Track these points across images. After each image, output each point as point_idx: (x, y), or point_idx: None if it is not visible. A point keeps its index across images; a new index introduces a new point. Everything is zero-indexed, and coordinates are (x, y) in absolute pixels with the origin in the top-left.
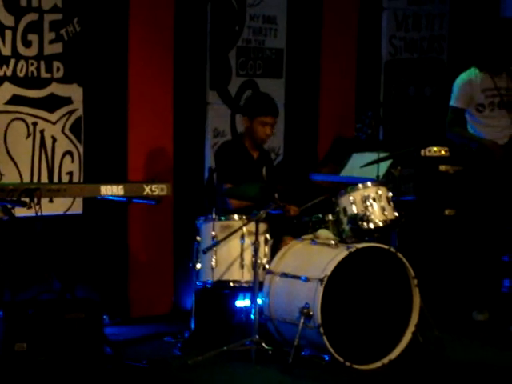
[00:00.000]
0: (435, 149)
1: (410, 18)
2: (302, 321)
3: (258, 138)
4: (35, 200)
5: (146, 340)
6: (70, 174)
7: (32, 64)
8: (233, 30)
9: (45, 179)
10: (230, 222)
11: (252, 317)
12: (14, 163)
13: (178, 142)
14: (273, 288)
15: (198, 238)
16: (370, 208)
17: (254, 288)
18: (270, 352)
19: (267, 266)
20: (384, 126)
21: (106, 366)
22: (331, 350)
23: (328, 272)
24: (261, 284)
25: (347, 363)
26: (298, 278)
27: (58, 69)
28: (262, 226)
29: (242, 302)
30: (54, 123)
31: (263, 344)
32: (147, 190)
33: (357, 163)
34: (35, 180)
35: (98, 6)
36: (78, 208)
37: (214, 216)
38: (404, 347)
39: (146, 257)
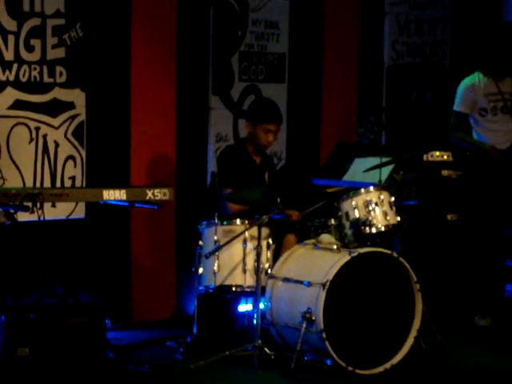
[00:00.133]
0: (437, 153)
1: (413, 22)
2: (304, 325)
3: (260, 145)
4: (38, 205)
5: (149, 345)
6: (73, 178)
7: (35, 69)
8: (235, 35)
9: (47, 184)
10: (232, 227)
11: (254, 321)
12: (17, 168)
13: (180, 147)
14: (275, 293)
15: (201, 242)
16: (372, 213)
17: (256, 293)
18: (272, 357)
19: (269, 271)
20: (386, 131)
21: (108, 370)
22: (333, 354)
23: (330, 277)
24: (263, 289)
25: (349, 368)
26: (301, 282)
27: (61, 74)
28: (265, 231)
29: (244, 307)
30: (57, 128)
31: (265, 349)
32: (150, 194)
33: (359, 168)
34: (38, 185)
35: (101, 11)
36: (80, 213)
37: (216, 221)
38: (406, 352)
39: (149, 261)
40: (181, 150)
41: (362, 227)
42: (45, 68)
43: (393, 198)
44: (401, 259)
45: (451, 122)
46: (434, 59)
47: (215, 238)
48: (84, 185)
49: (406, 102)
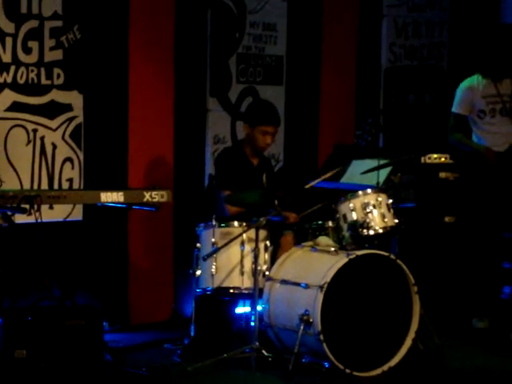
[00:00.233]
0: (435, 156)
1: (410, 25)
2: (301, 328)
3: (258, 147)
4: (35, 207)
5: (146, 347)
6: (70, 180)
7: (32, 71)
8: (233, 37)
9: (45, 186)
10: (230, 229)
11: (252, 324)
12: (14, 170)
13: (178, 149)
14: (273, 295)
15: (198, 244)
16: (370, 215)
17: (253, 295)
18: (270, 359)
19: (267, 273)
20: (384, 133)
21: (105, 372)
22: (331, 357)
23: (328, 279)
24: (261, 291)
25: (347, 370)
26: (298, 284)
27: (59, 76)
28: (262, 233)
29: (241, 309)
30: (55, 130)
31: (263, 351)
32: (147, 196)
33: (357, 170)
34: (35, 187)
35: (99, 14)
36: (78, 215)
37: (214, 223)
38: (404, 354)
39: (146, 263)
40: (178, 151)
41: (360, 229)
42: (42, 70)
43: (390, 200)
44: (398, 261)
45: (450, 124)
46: (432, 61)
47: (213, 240)
48: (82, 187)
49: (404, 104)
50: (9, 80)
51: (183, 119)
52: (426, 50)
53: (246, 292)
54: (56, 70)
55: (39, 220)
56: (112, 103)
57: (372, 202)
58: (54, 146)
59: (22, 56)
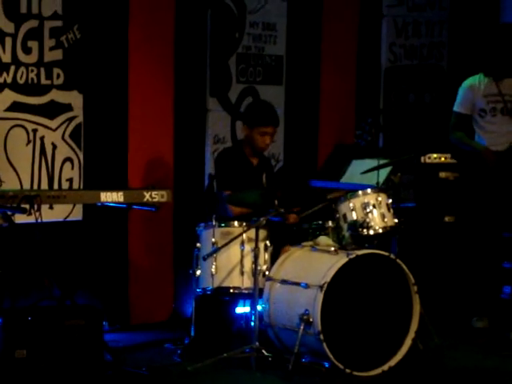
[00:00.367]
0: (435, 155)
1: (410, 24)
2: (301, 327)
3: (258, 147)
4: (35, 207)
5: (146, 347)
6: (70, 180)
7: (32, 71)
8: (233, 37)
9: (45, 186)
10: (230, 229)
11: (252, 323)
12: (14, 170)
13: (178, 149)
14: (273, 295)
15: (198, 244)
16: (369, 215)
17: (253, 295)
18: (270, 359)
19: (267, 273)
20: (384, 133)
21: (105, 372)
22: (331, 356)
23: (328, 279)
24: (261, 291)
25: (347, 370)
26: (298, 284)
27: (58, 76)
28: (262, 233)
29: (241, 309)
30: (54, 130)
31: (263, 351)
32: (147, 196)
33: (357, 170)
34: (35, 187)
35: (98, 13)
36: (77, 214)
37: (214, 222)
38: (404, 354)
39: (146, 263)
40: (178, 151)
41: (360, 229)
42: (42, 70)
43: (390, 200)
44: (398, 261)
45: (451, 123)
46: (432, 61)
47: (213, 239)
48: (81, 187)
49: (404, 104)
50: (9, 80)
51: (183, 119)
52: (426, 50)
53: (246, 292)
54: (56, 70)
55: (39, 220)
56: (112, 103)
57: (372, 201)
58: (54, 146)
59: (21, 56)
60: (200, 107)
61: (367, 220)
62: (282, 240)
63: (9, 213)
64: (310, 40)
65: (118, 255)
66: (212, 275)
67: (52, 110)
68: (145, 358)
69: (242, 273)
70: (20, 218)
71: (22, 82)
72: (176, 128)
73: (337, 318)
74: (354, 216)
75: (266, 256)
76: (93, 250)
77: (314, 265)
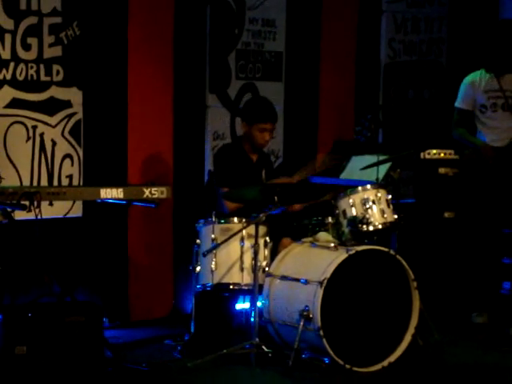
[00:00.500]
0: (434, 151)
1: (409, 20)
2: (301, 323)
3: (257, 144)
4: (35, 203)
5: (146, 343)
6: (70, 177)
7: (31, 67)
8: (232, 33)
9: (44, 182)
10: (229, 225)
11: (252, 320)
12: (14, 166)
13: (177, 145)
14: (272, 291)
15: (198, 240)
16: (369, 210)
17: (253, 291)
18: (270, 355)
19: (267, 269)
20: (383, 129)
21: (106, 369)
22: (331, 352)
23: (328, 275)
24: (260, 287)
25: (347, 366)
26: (298, 280)
27: (58, 72)
28: (262, 229)
29: (241, 305)
30: (54, 126)
31: (263, 347)
32: (147, 192)
33: (356, 166)
34: (35, 183)
35: (98, 10)
36: (77, 211)
37: (213, 219)
38: (404, 350)
39: (146, 260)
40: (178, 148)
41: (360, 225)
42: (42, 66)
43: (390, 196)
44: (398, 257)
45: (453, 119)
46: (431, 57)
47: (213, 236)
48: (81, 183)
49: (403, 99)
50: (8, 77)
51: (182, 115)
52: (425, 46)
53: (246, 288)
54: (55, 67)
55: (39, 216)
56: (111, 100)
57: (371, 197)
58: (54, 143)
59: (21, 52)
60: (199, 103)
61: (367, 216)
62: (281, 234)
63: (8, 209)
64: (310, 36)
65: (117, 251)
66: (212, 271)
67: (51, 106)
68: (145, 355)
69: (241, 269)
70: (20, 215)
71: (21, 78)
72: (175, 124)
73: (337, 314)
74: (354, 212)
75: (266, 252)
76: (93, 246)
77: (314, 261)
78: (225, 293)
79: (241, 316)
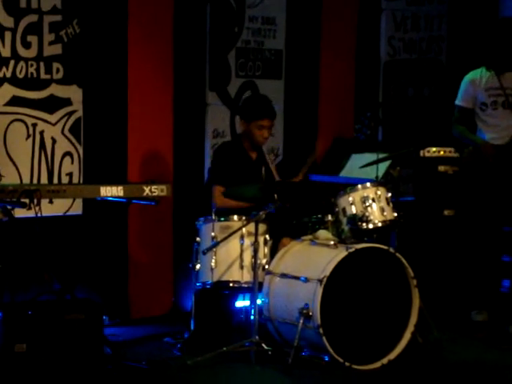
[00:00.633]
0: (434, 149)
1: (409, 18)
2: (301, 321)
3: (256, 141)
4: (35, 201)
5: (146, 340)
6: (70, 174)
7: (32, 65)
8: (232, 31)
9: (44, 180)
10: (229, 223)
11: (251, 317)
12: (14, 164)
13: (177, 143)
14: (272, 288)
15: (198, 238)
16: (369, 208)
17: (253, 288)
18: (270, 352)
19: (267, 267)
20: (383, 127)
21: (105, 366)
22: (331, 350)
23: (327, 272)
24: (260, 284)
25: (347, 363)
26: (298, 278)
27: (58, 70)
28: (262, 227)
29: (241, 303)
30: (54, 124)
31: (263, 345)
32: (147, 190)
33: (356, 164)
34: (35, 181)
35: (98, 8)
36: (77, 209)
37: (213, 217)
38: (403, 347)
39: (146, 257)
40: (178, 146)
41: (359, 223)
42: (42, 64)
43: (390, 194)
44: (398, 255)
45: (454, 116)
46: (431, 55)
47: (212, 234)
48: (81, 181)
49: (403, 97)
50: (8, 74)
51: (182, 113)
52: (425, 44)
53: (246, 286)
54: (55, 65)
55: (39, 214)
56: (111, 97)
57: (371, 195)
58: (54, 141)
59: (21, 50)
60: (199, 101)
61: (366, 214)
62: (281, 233)
63: (8, 207)
64: (310, 34)
65: (117, 249)
66: (212, 269)
67: (51, 104)
68: (144, 352)
69: (241, 267)
70: (20, 213)
71: (21, 76)
72: (175, 122)
73: (336, 312)
74: (354, 210)
75: (266, 250)
76: (93, 244)
77: (314, 259)
78: (224, 291)
79: (240, 314)
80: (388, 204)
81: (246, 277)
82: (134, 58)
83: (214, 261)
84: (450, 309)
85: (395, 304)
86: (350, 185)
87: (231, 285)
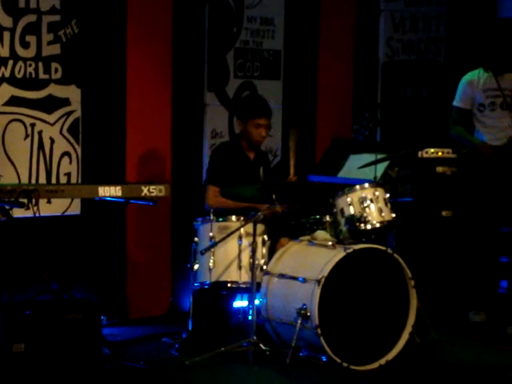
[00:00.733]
0: (432, 150)
1: (408, 19)
2: (299, 322)
3: (254, 140)
4: (33, 201)
5: (144, 341)
6: (68, 174)
7: (30, 65)
8: (230, 32)
9: (43, 180)
10: (227, 223)
11: (249, 318)
12: (12, 164)
13: (175, 143)
14: (270, 289)
15: (196, 239)
16: (367, 209)
17: (251, 289)
18: (268, 353)
19: (265, 267)
20: (381, 128)
21: (103, 366)
22: (328, 350)
23: (325, 273)
24: (258, 285)
25: (344, 364)
26: (296, 278)
27: (56, 70)
28: (260, 227)
29: (239, 303)
30: (52, 124)
31: (261, 345)
32: (145, 190)
33: (354, 164)
34: (33, 181)
35: (96, 8)
36: (76, 209)
37: (211, 217)
38: (401, 348)
39: (144, 258)
40: (176, 146)
41: (357, 224)
42: (40, 64)
43: (388, 195)
44: (395, 255)
45: (451, 117)
46: (429, 56)
47: (210, 234)
48: (79, 181)
49: (401, 98)
50: (7, 74)
51: (181, 114)
52: (424, 45)
53: (244, 286)
54: (54, 65)
55: (37, 214)
56: (110, 98)
57: (369, 196)
58: (52, 141)
59: (19, 50)
60: (198, 102)
61: (364, 214)
62: (279, 233)
63: (7, 207)
64: (308, 34)
65: (116, 249)
66: (210, 269)
67: (50, 104)
68: (143, 352)
69: (239, 267)
70: (18, 213)
71: (20, 76)
72: (174, 122)
73: (334, 312)
74: (352, 210)
75: (264, 250)
76: (91, 244)
77: (312, 259)
78: (223, 291)
79: (238, 314)
80: (386, 205)
81: (244, 277)
82: (133, 58)
83: (212, 261)
84: (447, 309)
85: (393, 304)
86: (348, 185)
87: (229, 285)
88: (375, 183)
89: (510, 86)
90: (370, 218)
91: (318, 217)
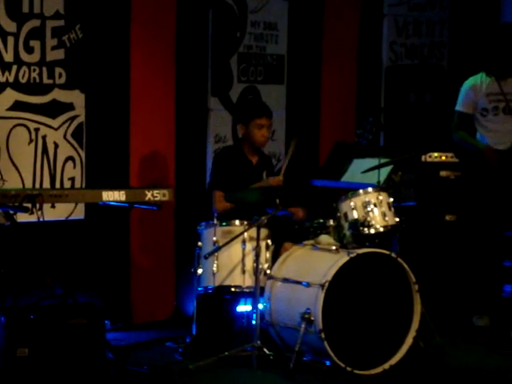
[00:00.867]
0: (436, 154)
1: (411, 24)
2: (303, 326)
3: (257, 142)
4: (37, 205)
5: (148, 345)
6: (72, 179)
7: (34, 70)
8: (234, 37)
9: (47, 185)
10: (231, 228)
11: (253, 322)
12: (16, 169)
13: (179, 148)
14: (274, 293)
15: (200, 243)
16: (370, 213)
17: (255, 293)
18: (271, 357)
19: (268, 272)
20: (385, 132)
21: (107, 371)
22: (332, 355)
23: (329, 277)
24: (262, 289)
25: (348, 368)
26: (300, 283)
27: (60, 75)
28: (264, 232)
29: (243, 308)
30: (56, 129)
31: (264, 349)
32: (149, 195)
33: (358, 169)
34: (37, 186)
35: (100, 13)
36: (79, 213)
37: (215, 221)
38: (405, 352)
39: (148, 262)
40: (180, 151)
41: (361, 228)
42: (44, 69)
43: (391, 199)
44: (399, 260)
45: (454, 122)
46: (433, 61)
47: (214, 238)
48: (83, 186)
49: (405, 103)
50: (11, 79)
51: (184, 118)
52: (427, 49)
53: (248, 290)
54: (58, 70)
55: (41, 219)
56: (114, 102)
57: (373, 200)
58: (56, 145)
59: (23, 55)
60: (201, 106)
61: (368, 219)
62: (282, 238)
63: (11, 212)
64: (312, 39)
65: (119, 254)
66: (213, 274)
67: (54, 109)
68: (146, 357)
69: (243, 271)
70: (22, 217)
71: (24, 81)
72: (177, 127)
73: (338, 317)
74: (355, 215)
75: (268, 255)
76: (95, 248)
77: (315, 263)
78: (226, 295)
79: (242, 318)
80: (390, 209)
81: (248, 281)
82: (137, 63)
83: (215, 265)
84: (451, 314)
85: (397, 309)
86: (352, 190)
87: (233, 289)
88: (379, 187)
89: None
90: (373, 222)
91: (321, 221)
